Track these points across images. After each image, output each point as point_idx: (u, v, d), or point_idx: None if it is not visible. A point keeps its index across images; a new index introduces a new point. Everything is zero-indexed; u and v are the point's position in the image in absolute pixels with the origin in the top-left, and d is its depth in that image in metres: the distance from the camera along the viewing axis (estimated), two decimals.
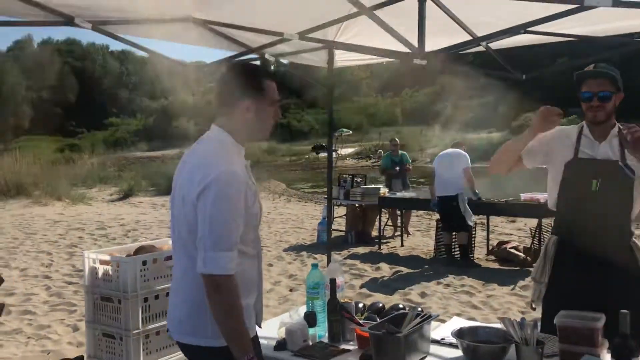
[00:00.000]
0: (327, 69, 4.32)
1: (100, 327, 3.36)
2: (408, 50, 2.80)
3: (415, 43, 2.86)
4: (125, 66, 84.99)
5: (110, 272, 3.27)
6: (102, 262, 3.34)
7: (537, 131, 2.68)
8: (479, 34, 3.10)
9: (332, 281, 2.70)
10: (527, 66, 4.28)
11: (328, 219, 5.18)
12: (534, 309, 2.85)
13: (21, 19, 2.90)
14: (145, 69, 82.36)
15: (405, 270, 7.53)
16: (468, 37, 3.13)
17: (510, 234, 9.87)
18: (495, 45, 3.76)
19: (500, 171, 2.89)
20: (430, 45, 3.07)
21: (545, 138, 2.75)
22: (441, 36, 3.21)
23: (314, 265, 2.86)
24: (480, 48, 3.67)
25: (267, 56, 3.91)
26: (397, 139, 10.79)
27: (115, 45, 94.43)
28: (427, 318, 2.44)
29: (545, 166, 2.83)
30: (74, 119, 71.65)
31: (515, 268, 7.39)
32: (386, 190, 9.63)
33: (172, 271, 2.12)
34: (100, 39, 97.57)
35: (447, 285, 6.71)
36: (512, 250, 7.89)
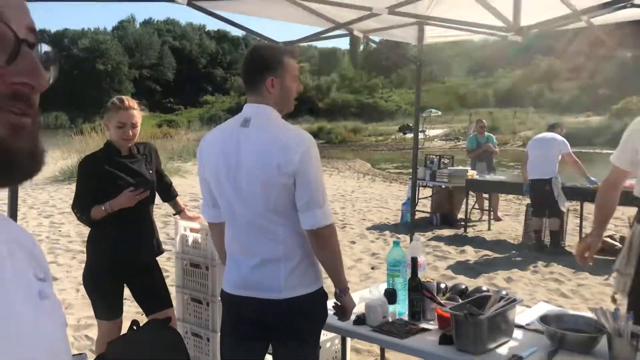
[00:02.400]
0: (417, 45, 4.23)
1: (189, 292, 3.53)
2: (502, 25, 2.68)
3: (510, 18, 2.75)
4: (220, 46, 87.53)
5: (200, 240, 3.41)
6: (193, 230, 3.49)
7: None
8: (580, 8, 2.91)
9: (414, 259, 2.68)
10: (632, 46, 3.98)
11: (412, 199, 5.13)
12: (615, 301, 2.71)
13: None
14: (239, 49, 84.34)
15: (491, 254, 7.33)
16: (567, 11, 2.95)
17: None
18: (597, 20, 3.53)
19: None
20: (527, 20, 2.94)
21: (627, 141, 2.64)
22: (539, 11, 3.05)
23: (396, 243, 2.85)
24: (582, 23, 3.45)
25: (355, 32, 3.88)
26: (483, 120, 10.42)
27: (212, 25, 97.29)
28: (512, 302, 2.37)
29: None
30: (172, 96, 74.94)
31: (611, 258, 6.98)
32: (474, 172, 9.37)
33: (256, 247, 2.15)
34: (197, 19, 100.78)
35: (535, 271, 6.48)
36: (607, 240, 7.46)
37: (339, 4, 3.18)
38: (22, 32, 0.61)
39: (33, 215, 9.71)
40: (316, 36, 3.80)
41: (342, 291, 2.28)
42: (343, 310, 2.32)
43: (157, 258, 3.36)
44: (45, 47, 0.66)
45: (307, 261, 2.19)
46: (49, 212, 10.01)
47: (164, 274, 5.99)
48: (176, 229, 3.58)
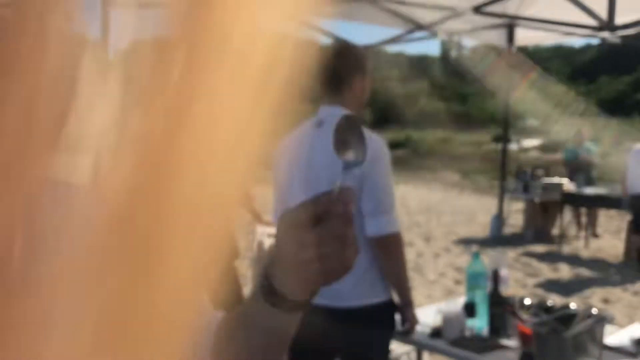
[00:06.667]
0: (507, 47, 4.06)
1: None
2: (595, 24, 2.49)
3: (604, 16, 2.55)
4: None
5: None
6: (270, 236, 3.51)
7: None
8: None
9: (495, 272, 2.56)
10: None
11: (499, 212, 4.91)
12: None
13: None
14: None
15: (587, 273, 6.89)
16: None
17: None
18: None
19: None
20: (623, 19, 2.72)
21: None
22: (637, 8, 2.82)
23: (476, 254, 2.72)
24: None
25: (440, 34, 3.77)
26: (583, 130, 9.84)
27: None
28: (601, 320, 2.18)
29: None
30: None
31: None
32: (571, 185, 8.84)
33: None
34: None
35: (636, 292, 6.01)
36: None
37: (420, 4, 3.09)
38: None
39: None
40: (398, 38, 3.72)
41: (406, 305, 2.20)
42: (408, 326, 2.26)
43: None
44: None
45: (375, 269, 2.13)
46: None
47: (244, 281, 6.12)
48: (253, 235, 3.62)
